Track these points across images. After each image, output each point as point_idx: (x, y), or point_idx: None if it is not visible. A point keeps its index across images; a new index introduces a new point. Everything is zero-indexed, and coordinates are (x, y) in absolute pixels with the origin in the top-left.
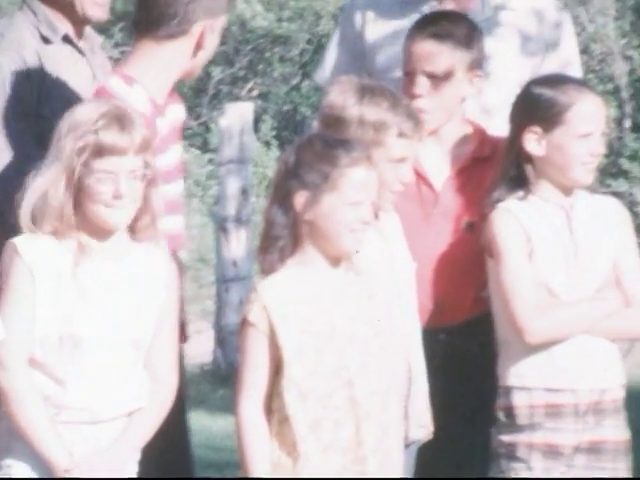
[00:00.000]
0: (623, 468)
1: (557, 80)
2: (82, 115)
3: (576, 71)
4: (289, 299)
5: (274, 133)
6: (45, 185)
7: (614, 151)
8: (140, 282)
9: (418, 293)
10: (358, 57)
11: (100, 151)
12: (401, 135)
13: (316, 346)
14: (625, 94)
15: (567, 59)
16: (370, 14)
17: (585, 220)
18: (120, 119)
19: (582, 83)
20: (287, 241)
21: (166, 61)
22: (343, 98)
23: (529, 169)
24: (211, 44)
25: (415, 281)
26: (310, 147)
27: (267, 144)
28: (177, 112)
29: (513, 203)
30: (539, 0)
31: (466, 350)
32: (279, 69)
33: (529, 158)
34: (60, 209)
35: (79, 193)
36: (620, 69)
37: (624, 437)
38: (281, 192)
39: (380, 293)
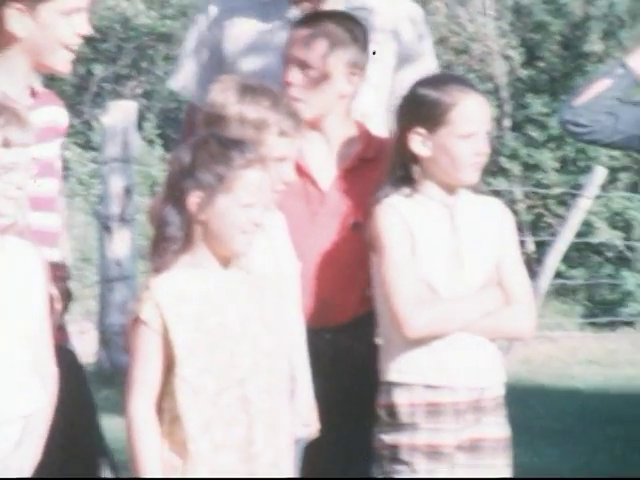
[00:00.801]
0: (502, 465)
1: (441, 80)
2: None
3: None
4: (181, 297)
5: (158, 132)
6: None
7: (494, 150)
8: (19, 279)
9: (303, 293)
10: (216, 66)
11: (7, 144)
12: (282, 134)
13: (208, 344)
14: (505, 93)
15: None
16: (227, 22)
17: (468, 219)
18: (17, 113)
19: (466, 83)
20: (180, 241)
21: (12, 53)
22: (224, 96)
23: (415, 169)
24: (63, 29)
25: (300, 280)
26: (205, 147)
27: (151, 143)
28: (52, 113)
29: (398, 199)
30: (411, 7)
31: (352, 349)
32: (163, 67)
33: (415, 158)
34: None
35: None
36: (500, 69)
37: (504, 434)
38: (175, 192)
39: (269, 292)
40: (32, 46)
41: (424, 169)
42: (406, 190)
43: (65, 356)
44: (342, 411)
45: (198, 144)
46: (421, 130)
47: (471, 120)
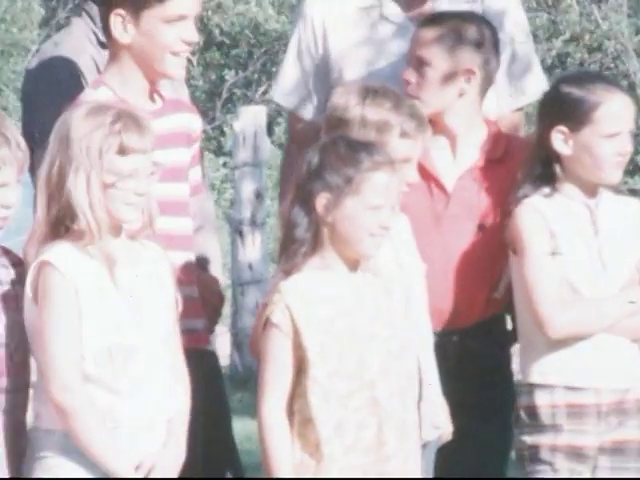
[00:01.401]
0: None
1: (585, 78)
2: (95, 118)
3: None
4: (311, 300)
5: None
6: (71, 191)
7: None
8: (156, 283)
9: (430, 296)
10: (320, 71)
11: (124, 150)
12: (404, 135)
13: (338, 347)
14: None
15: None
16: (329, 23)
17: (609, 220)
18: (136, 119)
19: (611, 82)
20: (308, 243)
21: (123, 60)
22: (346, 99)
23: (556, 168)
24: (167, 36)
25: (426, 283)
26: (334, 149)
27: (281, 146)
28: (183, 119)
29: (538, 199)
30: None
31: (479, 351)
32: None
33: (556, 157)
34: (91, 214)
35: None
36: (634, 66)
37: None
38: (303, 194)
39: (396, 294)
40: (140, 53)
41: (565, 168)
42: (546, 190)
43: (208, 359)
44: (470, 413)
45: (326, 146)
46: (564, 129)
47: (616, 120)
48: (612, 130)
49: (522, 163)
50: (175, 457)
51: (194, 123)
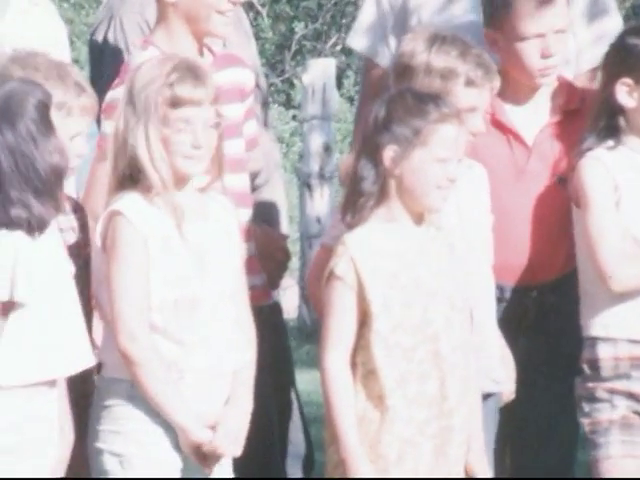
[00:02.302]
0: None
1: None
2: (154, 70)
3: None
4: (375, 253)
5: (357, 88)
6: (133, 144)
7: None
8: (224, 237)
9: (511, 250)
10: (398, 17)
11: (177, 102)
12: (469, 84)
13: (402, 300)
14: None
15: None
16: None
17: None
18: (192, 70)
19: None
20: (374, 195)
21: (170, 20)
22: (413, 46)
23: (620, 120)
24: None
25: (505, 237)
26: (401, 101)
27: (350, 100)
28: (235, 75)
29: (602, 152)
30: None
31: (559, 307)
32: None
33: (620, 109)
34: (152, 167)
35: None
36: None
37: None
38: (370, 146)
39: (459, 249)
40: (186, 11)
41: (629, 121)
42: (610, 142)
43: (269, 314)
44: (549, 369)
45: (394, 98)
46: (628, 81)
47: None
48: None
49: (588, 115)
50: (240, 415)
51: (246, 77)
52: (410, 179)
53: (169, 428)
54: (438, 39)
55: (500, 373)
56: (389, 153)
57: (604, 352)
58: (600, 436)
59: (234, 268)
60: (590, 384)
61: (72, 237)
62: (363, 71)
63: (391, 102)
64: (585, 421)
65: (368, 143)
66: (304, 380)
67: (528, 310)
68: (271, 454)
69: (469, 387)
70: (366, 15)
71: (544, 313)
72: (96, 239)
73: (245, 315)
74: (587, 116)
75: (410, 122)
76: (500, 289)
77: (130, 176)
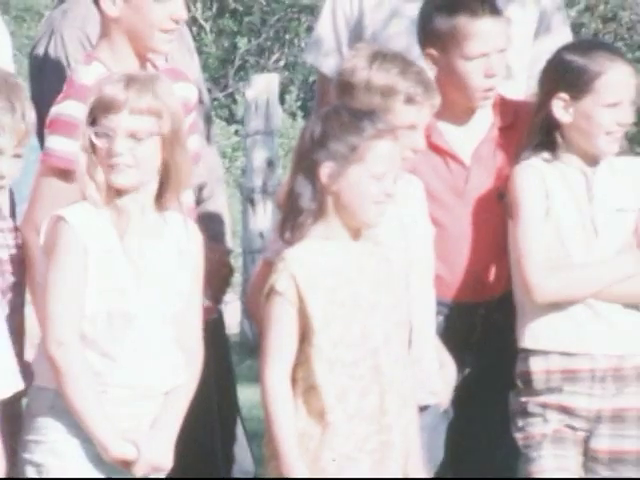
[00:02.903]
0: None
1: (588, 47)
2: (105, 77)
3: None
4: (315, 269)
5: (300, 104)
6: (79, 151)
7: None
8: (174, 256)
9: (456, 268)
10: (353, 40)
11: (103, 108)
12: (409, 101)
13: (342, 316)
14: None
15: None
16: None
17: (605, 187)
18: (134, 79)
19: (614, 51)
20: (312, 212)
21: (114, 35)
22: (354, 63)
23: (556, 135)
24: (156, 13)
25: (452, 256)
26: (337, 117)
27: (293, 115)
28: (180, 89)
29: (537, 161)
30: None
31: (505, 323)
32: (306, 39)
33: (556, 124)
34: (89, 173)
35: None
36: None
37: None
38: (306, 163)
39: (396, 263)
40: (129, 28)
41: (564, 136)
42: (546, 155)
43: (214, 329)
44: (494, 386)
45: (329, 115)
46: (565, 96)
47: (617, 89)
48: (613, 100)
49: (524, 130)
50: (161, 439)
51: (190, 92)
52: (347, 195)
53: (91, 440)
54: (379, 56)
55: (437, 384)
56: (325, 170)
57: (536, 365)
58: (533, 450)
59: (180, 288)
60: (523, 398)
61: (5, 253)
62: (318, 85)
63: (326, 119)
64: (519, 436)
65: (304, 160)
66: (246, 395)
67: (475, 327)
68: (214, 468)
69: (407, 401)
70: (322, 30)
71: (490, 330)
72: (40, 242)
73: (190, 337)
74: (522, 130)
75: (346, 138)
76: (447, 306)
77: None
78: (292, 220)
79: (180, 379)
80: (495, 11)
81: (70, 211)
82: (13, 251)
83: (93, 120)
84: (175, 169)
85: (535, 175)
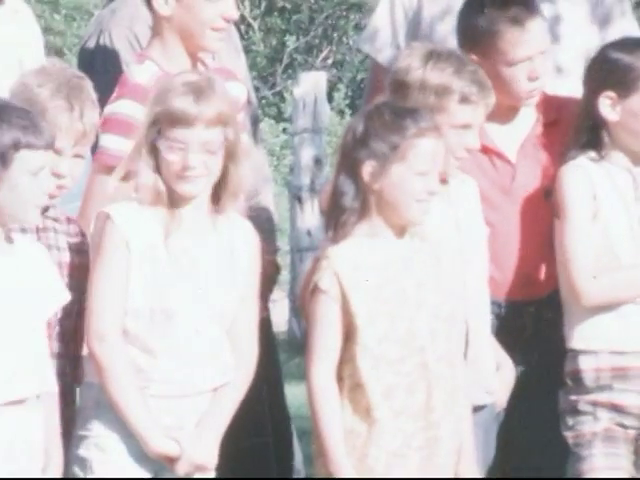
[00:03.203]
0: None
1: (634, 45)
2: (166, 85)
3: None
4: (359, 267)
5: (348, 102)
6: (132, 154)
7: None
8: (225, 256)
9: (505, 267)
10: (411, 31)
11: (172, 120)
12: (464, 101)
13: (387, 313)
14: None
15: (630, 32)
16: None
17: None
18: (200, 90)
19: None
20: (355, 210)
21: (165, 34)
22: (408, 62)
23: (603, 134)
24: (207, 12)
25: (501, 255)
26: (378, 116)
27: (341, 113)
28: (230, 88)
29: (584, 161)
30: None
31: (555, 321)
32: (353, 37)
33: (603, 123)
34: (147, 179)
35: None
36: None
37: None
38: (349, 161)
39: (445, 259)
40: (180, 26)
41: (611, 134)
42: (592, 154)
43: (262, 327)
44: (543, 385)
45: (371, 113)
46: (611, 94)
47: None
48: None
49: (570, 128)
50: (208, 437)
51: (240, 91)
52: (390, 194)
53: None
54: (434, 55)
55: (493, 384)
56: (368, 169)
57: (585, 363)
58: (584, 449)
59: (230, 288)
60: (573, 397)
61: (66, 256)
62: (371, 76)
63: (368, 117)
64: (569, 434)
65: (347, 158)
66: (294, 393)
67: (525, 325)
68: (267, 468)
69: (456, 398)
70: (379, 20)
71: (541, 328)
72: (89, 240)
73: (243, 338)
74: (566, 127)
75: (387, 137)
76: (497, 305)
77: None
78: (335, 219)
79: (228, 378)
80: (534, 13)
81: (116, 208)
82: (75, 253)
83: (158, 130)
84: (236, 173)
85: (582, 176)
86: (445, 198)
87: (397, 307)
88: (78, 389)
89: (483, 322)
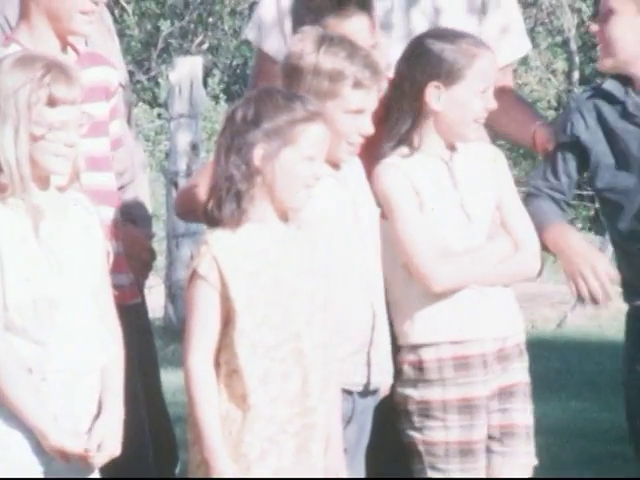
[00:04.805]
0: (529, 409)
1: (454, 35)
2: (23, 70)
3: (517, 37)
4: (238, 252)
5: (223, 87)
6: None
7: (562, 104)
8: (83, 235)
9: None
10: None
11: (53, 102)
12: (357, 85)
13: (264, 299)
14: (574, 46)
15: (507, 24)
16: None
17: (465, 170)
18: (65, 70)
19: (475, 38)
20: (246, 194)
21: (33, 16)
22: (301, 47)
23: (421, 124)
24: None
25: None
26: (270, 100)
27: (216, 98)
28: (101, 73)
29: (397, 159)
30: None
31: None
32: (229, 22)
33: (424, 113)
34: (16, 167)
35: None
36: (569, 21)
37: (528, 379)
38: (238, 144)
39: (321, 246)
40: (48, 10)
41: (431, 125)
42: (404, 150)
43: (135, 314)
44: None
45: (262, 96)
46: (438, 84)
47: (486, 76)
48: (483, 86)
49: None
50: (110, 422)
51: (111, 75)
52: (278, 177)
53: (31, 430)
54: (326, 40)
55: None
56: (259, 151)
57: (427, 354)
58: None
59: (95, 266)
60: (418, 394)
61: None
62: (256, 64)
63: (259, 100)
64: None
65: (236, 141)
66: (170, 380)
67: None
68: (144, 455)
69: (329, 385)
70: (264, 8)
71: None
72: None
73: (109, 312)
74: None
75: (279, 121)
76: None
77: None
78: (223, 202)
79: (110, 352)
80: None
81: None
82: None
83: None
84: (76, 151)
85: (398, 173)
86: (340, 179)
87: (274, 293)
88: None
89: (381, 305)
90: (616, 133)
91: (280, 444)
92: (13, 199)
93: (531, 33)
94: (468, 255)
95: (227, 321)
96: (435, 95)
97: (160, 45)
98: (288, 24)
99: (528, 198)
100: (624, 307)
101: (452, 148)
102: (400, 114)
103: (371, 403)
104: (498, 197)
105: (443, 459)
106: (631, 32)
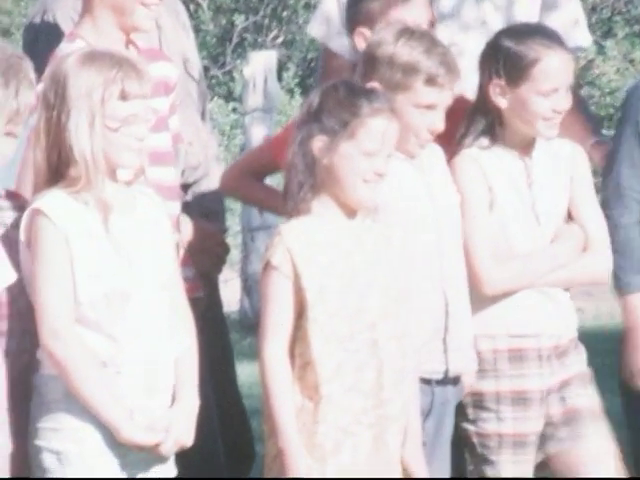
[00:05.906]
0: (593, 393)
1: (526, 32)
2: (93, 65)
3: (581, 31)
4: (311, 243)
5: (297, 81)
6: (71, 137)
7: None
8: (152, 228)
9: None
10: None
11: (126, 96)
12: (430, 82)
13: (338, 289)
14: None
15: (576, 18)
16: None
17: (542, 170)
18: (134, 65)
19: (551, 36)
20: (307, 185)
21: (96, 11)
22: (381, 36)
23: (495, 119)
24: None
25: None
26: (334, 93)
27: (291, 92)
28: (161, 69)
29: (476, 151)
30: None
31: None
32: (303, 16)
33: (496, 109)
34: (92, 160)
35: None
36: None
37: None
38: (301, 135)
39: (397, 240)
40: (111, 4)
41: (503, 120)
42: (485, 142)
43: (210, 307)
44: None
45: (327, 90)
46: (501, 82)
47: (553, 77)
48: (549, 87)
49: (464, 115)
50: (185, 414)
51: (170, 71)
52: (337, 170)
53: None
54: (407, 33)
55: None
56: (318, 143)
57: (483, 345)
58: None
59: (166, 258)
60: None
61: (12, 233)
62: (321, 60)
63: (324, 93)
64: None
65: (300, 131)
66: (246, 373)
67: None
68: (214, 450)
69: (404, 378)
70: (327, 4)
71: None
72: (20, 236)
73: (181, 303)
74: (460, 115)
75: (339, 114)
76: None
77: (59, 170)
78: (291, 192)
79: (184, 343)
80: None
81: (47, 202)
82: (11, 230)
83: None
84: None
85: (475, 167)
86: (417, 166)
87: (348, 284)
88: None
89: (463, 291)
90: None
91: (355, 435)
92: (84, 193)
93: (608, 22)
94: (526, 259)
95: (300, 313)
96: (499, 93)
97: (235, 40)
98: None
99: (619, 200)
100: None
101: (531, 146)
102: (474, 107)
103: (452, 395)
104: (572, 195)
105: (495, 451)
106: None
